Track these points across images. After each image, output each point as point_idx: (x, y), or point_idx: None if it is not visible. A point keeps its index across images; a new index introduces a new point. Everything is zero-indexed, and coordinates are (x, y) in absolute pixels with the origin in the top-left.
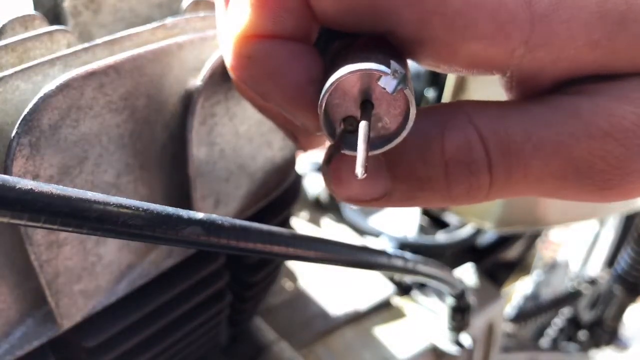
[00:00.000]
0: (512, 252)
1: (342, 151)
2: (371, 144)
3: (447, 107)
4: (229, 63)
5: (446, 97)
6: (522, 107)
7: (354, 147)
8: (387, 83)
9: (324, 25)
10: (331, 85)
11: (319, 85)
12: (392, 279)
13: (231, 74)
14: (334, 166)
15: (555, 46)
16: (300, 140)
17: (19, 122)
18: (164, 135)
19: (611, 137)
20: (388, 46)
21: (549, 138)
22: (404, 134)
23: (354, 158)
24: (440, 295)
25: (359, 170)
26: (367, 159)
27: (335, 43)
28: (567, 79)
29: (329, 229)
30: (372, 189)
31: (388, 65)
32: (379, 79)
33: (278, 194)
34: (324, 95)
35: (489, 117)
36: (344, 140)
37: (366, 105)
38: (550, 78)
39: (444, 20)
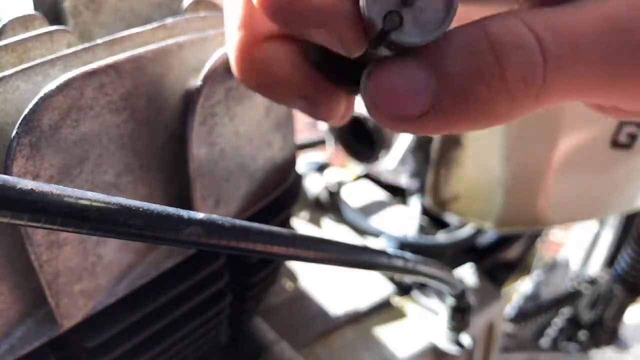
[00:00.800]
0: (512, 252)
1: (385, 54)
2: (414, 37)
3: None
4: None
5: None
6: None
7: (400, 40)
8: None
9: None
10: None
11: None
12: (392, 279)
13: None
14: (375, 79)
15: None
16: (321, 106)
17: (19, 122)
18: (164, 135)
19: None
20: None
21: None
22: (448, 22)
23: (397, 68)
24: (440, 295)
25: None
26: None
27: None
28: None
29: (329, 229)
30: (419, 99)
31: None
32: None
33: (278, 194)
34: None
35: (532, 13)
36: (389, 37)
37: None
38: None
39: None
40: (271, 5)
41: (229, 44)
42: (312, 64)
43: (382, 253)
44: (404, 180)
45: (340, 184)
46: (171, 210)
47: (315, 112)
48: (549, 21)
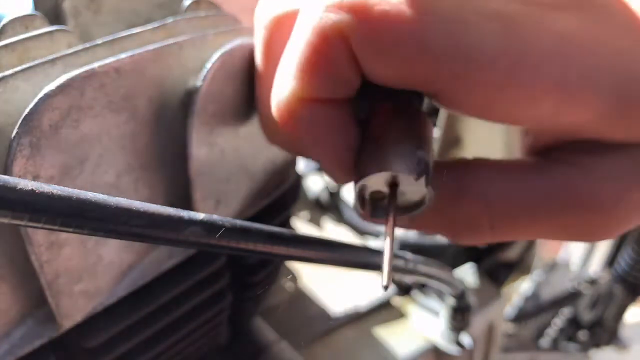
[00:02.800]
0: (512, 252)
1: (372, 218)
2: (397, 210)
3: (464, 170)
4: (269, 122)
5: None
6: (524, 175)
7: (380, 215)
8: (409, 179)
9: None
10: (361, 183)
11: (354, 152)
12: (392, 279)
13: (264, 131)
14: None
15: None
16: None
17: (19, 122)
18: (164, 135)
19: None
20: (417, 118)
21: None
22: (423, 208)
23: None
24: (440, 295)
25: (385, 281)
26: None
27: (371, 97)
28: (569, 140)
29: (329, 229)
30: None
31: (414, 157)
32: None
33: (278, 194)
34: (356, 190)
35: (498, 186)
36: (373, 208)
37: (392, 188)
38: (554, 137)
39: (489, 91)
40: (281, 120)
41: (276, 93)
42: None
43: (382, 253)
44: None
45: (340, 184)
46: (171, 210)
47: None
48: (510, 201)
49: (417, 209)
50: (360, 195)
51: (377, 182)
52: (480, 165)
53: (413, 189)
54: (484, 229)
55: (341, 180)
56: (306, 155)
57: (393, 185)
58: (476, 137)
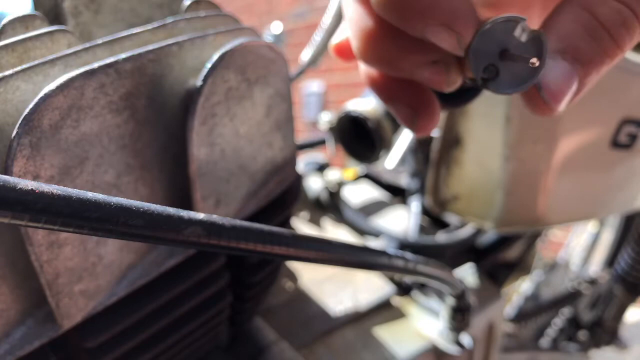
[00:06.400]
0: (512, 252)
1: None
2: (507, 89)
3: None
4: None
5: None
6: None
7: (496, 90)
8: (521, 33)
9: None
10: (488, 23)
11: (471, 1)
12: (392, 279)
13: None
14: (548, 87)
15: None
16: (421, 118)
17: (19, 122)
18: (164, 135)
19: None
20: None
21: None
22: (537, 74)
23: (558, 75)
24: (440, 295)
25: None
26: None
27: None
28: None
29: (329, 229)
30: (569, 85)
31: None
32: (515, 29)
33: (278, 194)
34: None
35: None
36: (487, 84)
37: (504, 52)
38: None
39: None
40: (394, 1)
41: (350, 18)
42: None
43: (382, 253)
44: (404, 180)
45: (340, 184)
46: (171, 210)
47: (413, 124)
48: None
49: (531, 80)
50: (475, 62)
51: (490, 39)
52: None
53: (523, 54)
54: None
55: (461, 27)
56: (429, 15)
57: (504, 51)
58: (476, 137)
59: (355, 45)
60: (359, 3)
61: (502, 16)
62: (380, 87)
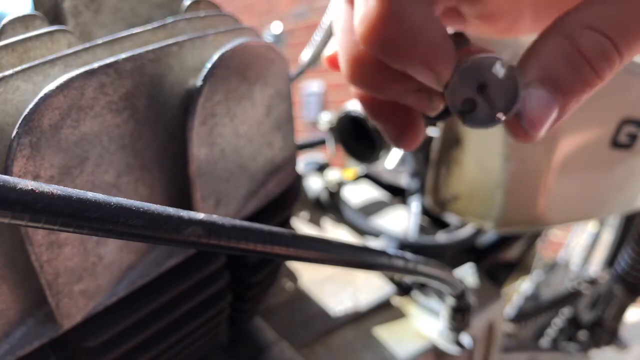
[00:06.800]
0: (512, 252)
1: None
2: (484, 122)
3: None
4: (364, 27)
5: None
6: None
7: (473, 123)
8: (499, 69)
9: None
10: (467, 61)
11: (451, 43)
12: (392, 279)
13: (362, 43)
14: (528, 114)
15: None
16: (406, 136)
17: (19, 122)
18: (164, 135)
19: None
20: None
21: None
22: (515, 105)
23: (539, 104)
24: (440, 295)
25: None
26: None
27: None
28: None
29: (329, 229)
30: (548, 114)
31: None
32: (492, 67)
33: (278, 194)
34: (458, 67)
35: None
36: (464, 118)
37: (482, 88)
38: None
39: None
40: (377, 40)
41: (338, 43)
42: None
43: (382, 253)
44: (404, 180)
45: (340, 184)
46: (171, 210)
47: (398, 140)
48: (618, 19)
49: (509, 111)
50: (452, 94)
51: (469, 75)
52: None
53: (500, 90)
54: (610, 52)
55: (439, 67)
56: (408, 55)
57: (482, 85)
58: (476, 137)
59: (343, 68)
60: (346, 32)
61: (481, 55)
62: (368, 106)
